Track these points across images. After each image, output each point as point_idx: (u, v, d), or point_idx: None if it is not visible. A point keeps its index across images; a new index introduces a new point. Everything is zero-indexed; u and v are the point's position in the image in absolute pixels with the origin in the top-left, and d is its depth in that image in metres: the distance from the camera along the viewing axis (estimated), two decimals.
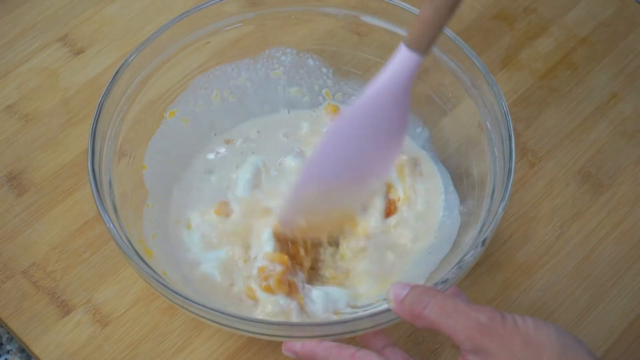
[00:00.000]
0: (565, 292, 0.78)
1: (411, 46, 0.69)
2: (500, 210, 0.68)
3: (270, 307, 0.71)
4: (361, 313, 0.72)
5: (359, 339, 0.67)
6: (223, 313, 0.64)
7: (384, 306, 0.64)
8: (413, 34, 0.68)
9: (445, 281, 0.65)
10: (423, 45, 0.69)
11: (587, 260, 0.80)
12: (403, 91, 0.71)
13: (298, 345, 0.65)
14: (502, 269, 0.80)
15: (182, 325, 0.76)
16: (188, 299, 0.64)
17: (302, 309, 0.72)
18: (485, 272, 0.79)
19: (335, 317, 0.72)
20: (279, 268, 0.72)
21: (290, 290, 0.72)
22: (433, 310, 0.60)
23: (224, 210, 0.78)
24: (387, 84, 0.71)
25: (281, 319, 0.71)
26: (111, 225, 0.68)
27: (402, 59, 0.69)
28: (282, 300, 0.71)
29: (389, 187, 0.79)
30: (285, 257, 0.73)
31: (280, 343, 0.66)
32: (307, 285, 0.73)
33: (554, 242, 0.81)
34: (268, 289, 0.72)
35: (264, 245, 0.74)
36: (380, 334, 0.67)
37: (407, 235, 0.77)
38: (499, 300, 0.78)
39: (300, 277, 0.74)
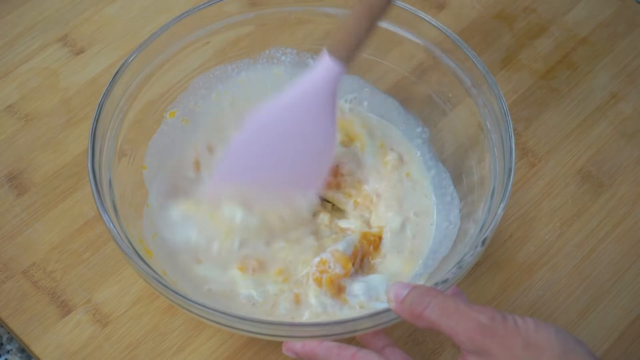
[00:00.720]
0: (565, 292, 0.78)
1: (332, 53, 0.70)
2: (500, 210, 0.68)
3: (313, 310, 0.72)
4: (361, 313, 0.72)
5: (359, 339, 0.67)
6: (223, 313, 0.64)
7: (384, 306, 0.64)
8: (333, 42, 0.70)
9: (445, 281, 0.65)
10: (342, 54, 0.70)
11: (587, 260, 0.80)
12: (325, 99, 0.71)
13: (298, 346, 0.65)
14: (502, 269, 0.80)
15: (182, 325, 0.76)
16: (188, 299, 0.64)
17: (344, 304, 0.72)
18: (485, 272, 0.79)
19: (377, 305, 0.72)
20: (338, 270, 0.72)
21: (337, 292, 0.72)
22: (433, 310, 0.60)
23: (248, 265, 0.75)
24: (308, 87, 0.71)
25: (324, 318, 0.71)
26: (111, 225, 0.68)
27: (323, 64, 0.70)
28: (328, 300, 0.72)
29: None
30: (350, 265, 0.73)
31: (281, 343, 0.66)
32: (348, 280, 0.73)
33: (554, 242, 0.81)
34: (318, 282, 0.72)
35: (339, 245, 0.74)
36: (380, 334, 0.67)
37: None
38: (499, 300, 0.78)
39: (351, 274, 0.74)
